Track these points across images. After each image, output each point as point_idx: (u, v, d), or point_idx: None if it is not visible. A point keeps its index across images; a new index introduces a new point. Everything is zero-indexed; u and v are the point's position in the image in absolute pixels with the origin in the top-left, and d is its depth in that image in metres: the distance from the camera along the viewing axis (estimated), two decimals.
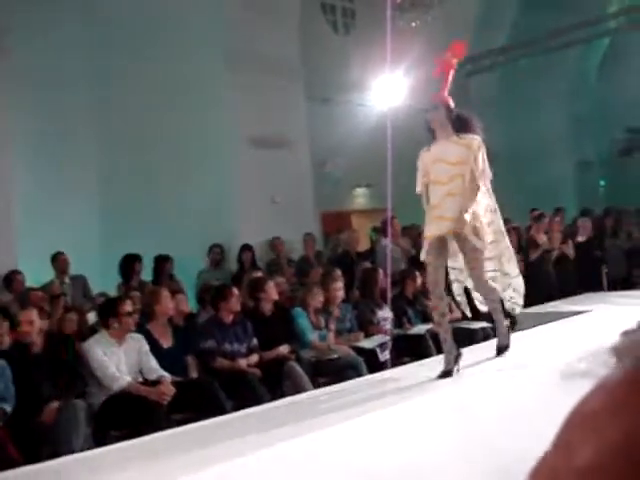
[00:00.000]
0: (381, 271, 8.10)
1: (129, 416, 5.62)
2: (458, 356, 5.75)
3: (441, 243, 5.75)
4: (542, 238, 10.61)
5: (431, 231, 5.73)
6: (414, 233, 10.22)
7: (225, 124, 10.49)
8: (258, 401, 5.81)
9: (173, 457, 4.28)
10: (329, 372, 6.84)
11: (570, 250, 10.79)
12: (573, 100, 17.82)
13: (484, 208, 5.85)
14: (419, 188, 5.89)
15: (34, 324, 5.62)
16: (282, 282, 8.35)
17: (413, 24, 11.26)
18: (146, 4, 10.46)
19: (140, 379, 5.95)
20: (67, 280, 8.87)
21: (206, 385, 5.94)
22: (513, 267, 6.27)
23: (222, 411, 5.63)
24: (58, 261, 8.95)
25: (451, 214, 5.59)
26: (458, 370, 5.68)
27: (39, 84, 10.02)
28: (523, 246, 10.59)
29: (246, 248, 9.83)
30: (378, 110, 11.07)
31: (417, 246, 9.65)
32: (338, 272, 8.14)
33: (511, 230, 10.37)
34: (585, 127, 17.84)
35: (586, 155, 18.29)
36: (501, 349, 6.09)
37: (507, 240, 6.21)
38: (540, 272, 10.35)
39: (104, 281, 9.12)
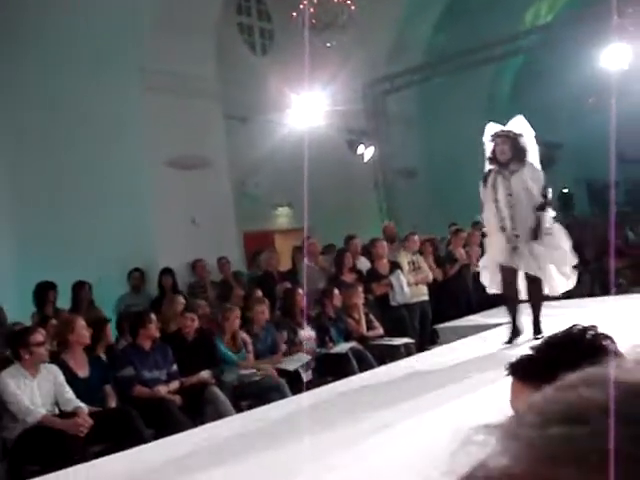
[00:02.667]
0: (301, 291, 8.10)
1: (45, 450, 5.47)
2: None
3: None
4: (461, 252, 10.79)
5: None
6: (334, 252, 10.28)
7: (141, 145, 10.33)
8: (178, 429, 5.72)
9: None
10: (252, 395, 6.80)
11: None
12: (489, 116, 18.23)
13: None
14: None
15: None
16: (203, 305, 8.27)
17: (328, 45, 11.36)
18: (55, 18, 10.16)
19: (56, 411, 5.79)
20: None
21: (124, 414, 5.82)
22: None
23: (141, 440, 5.52)
24: None
25: None
26: None
27: None
28: (441, 260, 10.76)
29: (166, 272, 9.68)
30: (297, 129, 11.13)
31: (338, 264, 9.71)
32: (259, 293, 8.12)
33: (426, 243, 10.56)
34: None
35: None
36: None
37: None
38: (459, 286, 10.53)
39: (21, 311, 8.85)
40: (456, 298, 10.46)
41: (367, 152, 13.42)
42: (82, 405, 5.74)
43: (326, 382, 7.01)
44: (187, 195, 10.55)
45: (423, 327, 9.71)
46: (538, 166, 7.03)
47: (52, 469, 4.92)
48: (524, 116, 7.28)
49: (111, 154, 10.21)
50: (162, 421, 5.94)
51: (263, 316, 7.60)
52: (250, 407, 6.35)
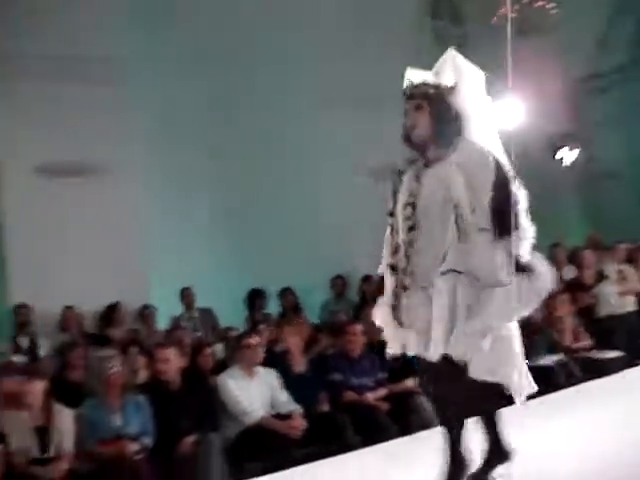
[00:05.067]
0: None
1: (262, 449, 5.70)
2: None
3: None
4: None
5: None
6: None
7: (345, 157, 10.60)
8: (386, 436, 5.76)
9: None
10: None
11: None
12: None
13: None
14: None
15: (171, 363, 5.80)
16: None
17: (530, 50, 11.08)
18: (256, 44, 10.47)
19: (272, 412, 6.04)
20: (195, 314, 9.15)
21: (336, 419, 5.98)
22: None
23: (348, 446, 5.58)
24: (186, 296, 9.24)
25: None
26: None
27: (154, 115, 10.06)
28: None
29: (367, 279, 9.84)
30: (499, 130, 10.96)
31: None
32: None
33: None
34: None
35: None
36: None
37: None
38: None
39: (230, 312, 9.29)
40: None
41: (570, 155, 13.01)
42: (297, 407, 5.98)
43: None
44: (383, 203, 10.64)
45: (630, 340, 9.23)
46: (493, 151, 3.46)
47: (269, 469, 5.15)
48: None
49: (313, 163, 10.52)
50: (370, 428, 6.04)
51: None
52: None
